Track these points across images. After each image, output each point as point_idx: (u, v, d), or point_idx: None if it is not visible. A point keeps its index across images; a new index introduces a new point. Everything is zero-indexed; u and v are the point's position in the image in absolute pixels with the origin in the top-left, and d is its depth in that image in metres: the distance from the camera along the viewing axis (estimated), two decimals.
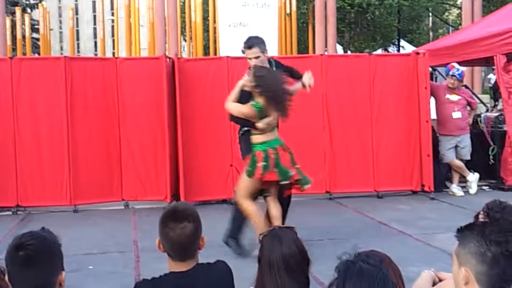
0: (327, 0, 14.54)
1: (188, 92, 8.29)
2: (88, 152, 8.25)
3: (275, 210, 5.67)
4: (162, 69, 8.23)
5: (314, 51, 14.24)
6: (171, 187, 8.21)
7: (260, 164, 5.41)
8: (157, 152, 8.32)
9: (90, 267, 5.51)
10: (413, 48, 14.95)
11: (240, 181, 5.70)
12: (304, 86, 5.83)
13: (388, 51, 21.36)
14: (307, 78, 5.82)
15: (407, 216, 7.45)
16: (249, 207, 5.60)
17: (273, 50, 12.44)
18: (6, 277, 2.24)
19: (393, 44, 22.53)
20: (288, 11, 13.93)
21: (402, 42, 21.92)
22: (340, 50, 18.76)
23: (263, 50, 5.83)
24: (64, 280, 2.26)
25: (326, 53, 13.15)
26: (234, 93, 5.50)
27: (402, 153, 8.71)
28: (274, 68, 5.95)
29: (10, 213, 8.00)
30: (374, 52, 15.21)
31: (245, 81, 5.47)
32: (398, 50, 20.84)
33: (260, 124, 5.45)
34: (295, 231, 2.65)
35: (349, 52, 19.49)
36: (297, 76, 5.96)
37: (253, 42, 5.86)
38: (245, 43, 5.91)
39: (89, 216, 7.89)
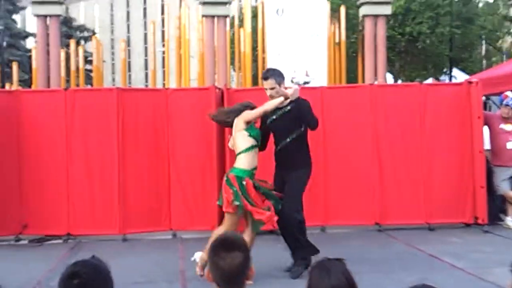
0: (377, 29, 14.47)
1: None
2: (138, 182, 8.34)
3: None
4: (212, 99, 8.30)
5: (363, 81, 14.14)
6: (219, 217, 8.19)
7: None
8: (206, 182, 8.34)
9: None
10: (466, 77, 14.69)
11: None
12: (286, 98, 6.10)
13: (439, 81, 21.08)
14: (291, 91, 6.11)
15: (459, 249, 7.23)
16: None
17: (322, 79, 12.44)
18: None
19: (445, 73, 22.23)
20: (337, 40, 13.91)
21: (454, 71, 21.60)
22: (390, 79, 18.61)
23: (279, 82, 6.11)
24: None
25: (376, 82, 13.05)
26: None
27: (454, 184, 8.51)
28: (289, 106, 6.09)
29: (61, 241, 8.14)
30: (425, 81, 14.98)
31: None
32: (450, 79, 20.53)
33: None
34: (344, 263, 2.60)
35: (399, 81, 19.30)
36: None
37: (268, 74, 6.19)
38: (262, 74, 6.32)
39: (138, 245, 7.95)
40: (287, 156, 6.19)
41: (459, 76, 20.13)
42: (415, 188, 8.47)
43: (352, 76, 17.12)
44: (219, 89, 8.71)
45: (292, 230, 6.17)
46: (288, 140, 6.15)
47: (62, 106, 8.33)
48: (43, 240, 8.19)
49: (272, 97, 6.09)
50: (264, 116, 6.14)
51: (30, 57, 15.96)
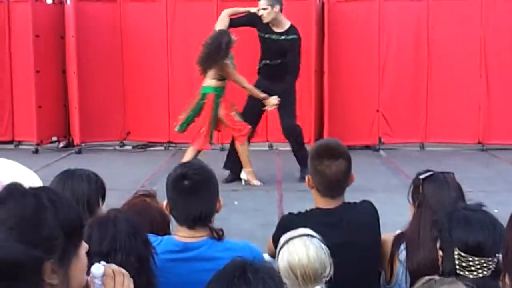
0: None
1: (338, 35, 8.13)
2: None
3: None
4: (312, 11, 8.11)
5: None
6: (316, 131, 8.18)
7: None
8: (303, 95, 8.24)
9: (236, 202, 5.66)
10: None
11: None
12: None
13: None
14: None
15: None
16: None
17: None
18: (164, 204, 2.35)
19: None
20: None
21: None
22: None
23: (272, 5, 6.38)
24: (221, 206, 2.34)
25: None
26: None
27: None
28: (283, 37, 6.49)
29: (162, 148, 8.44)
30: None
31: None
32: None
33: None
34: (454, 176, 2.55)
35: None
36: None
37: None
38: None
39: None
40: (275, 71, 6.51)
41: None
42: None
43: None
44: (319, 0, 8.48)
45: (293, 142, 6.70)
46: (278, 61, 6.49)
47: (163, 16, 8.42)
48: (145, 147, 8.54)
49: (263, 17, 6.39)
50: (257, 23, 6.48)
51: None
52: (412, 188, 2.54)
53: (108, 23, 8.50)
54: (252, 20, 6.53)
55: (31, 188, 1.41)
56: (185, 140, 8.43)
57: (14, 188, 1.38)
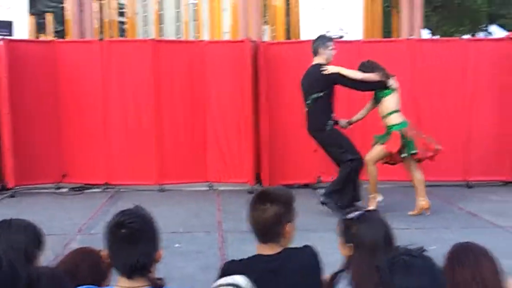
0: None
1: (272, 76, 8.28)
2: (174, 133, 8.39)
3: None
4: (247, 52, 8.24)
5: (398, 36, 13.84)
6: (254, 170, 8.23)
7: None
8: (241, 134, 8.35)
9: (177, 245, 5.59)
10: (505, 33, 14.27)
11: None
12: None
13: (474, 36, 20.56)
14: None
15: (499, 208, 7.16)
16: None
17: (357, 34, 12.20)
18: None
19: (482, 30, 21.65)
20: None
21: (493, 28, 21.03)
22: (427, 34, 18.20)
23: None
24: (161, 256, 2.29)
25: (412, 37, 12.77)
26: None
27: (494, 142, 8.38)
28: None
29: (99, 190, 8.27)
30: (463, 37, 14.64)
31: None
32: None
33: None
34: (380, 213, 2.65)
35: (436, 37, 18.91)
36: None
37: None
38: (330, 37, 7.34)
39: (175, 196, 8.04)
40: None
41: (497, 33, 19.60)
42: (454, 145, 8.33)
43: (386, 31, 16.75)
44: (254, 42, 8.63)
45: None
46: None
47: (98, 57, 8.36)
48: (83, 189, 8.34)
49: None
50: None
51: (63, 8, 15.92)
52: (343, 229, 2.63)
53: (43, 63, 8.34)
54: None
55: None
56: (123, 182, 8.35)
57: None
